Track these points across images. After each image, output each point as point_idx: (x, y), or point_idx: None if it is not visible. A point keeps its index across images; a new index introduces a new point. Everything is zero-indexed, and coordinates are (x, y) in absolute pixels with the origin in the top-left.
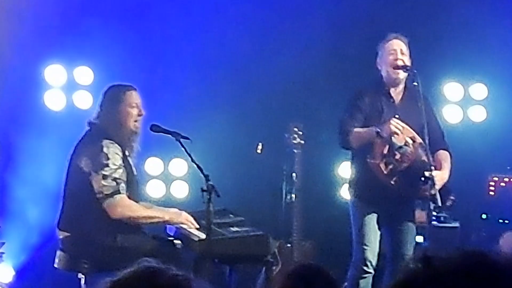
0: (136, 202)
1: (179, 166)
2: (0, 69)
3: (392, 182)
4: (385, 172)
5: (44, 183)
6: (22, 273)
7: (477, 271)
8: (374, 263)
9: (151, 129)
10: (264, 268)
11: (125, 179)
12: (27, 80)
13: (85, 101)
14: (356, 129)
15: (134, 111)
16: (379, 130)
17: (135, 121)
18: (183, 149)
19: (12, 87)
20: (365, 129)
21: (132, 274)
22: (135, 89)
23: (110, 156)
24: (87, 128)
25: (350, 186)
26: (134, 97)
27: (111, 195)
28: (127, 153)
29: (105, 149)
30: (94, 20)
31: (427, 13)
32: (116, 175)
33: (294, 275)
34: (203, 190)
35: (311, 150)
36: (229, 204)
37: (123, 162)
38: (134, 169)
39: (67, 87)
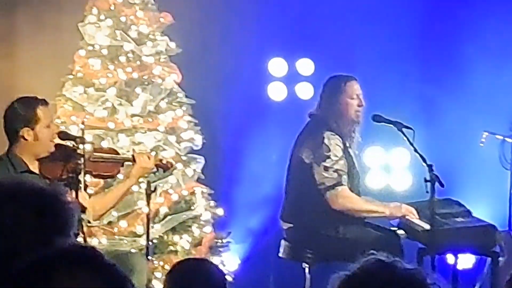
0: (357, 194)
1: (401, 156)
2: (231, 65)
3: None
4: None
5: (267, 173)
6: (247, 262)
7: None
8: None
9: (373, 119)
10: (490, 259)
11: (346, 171)
12: (253, 73)
13: (306, 92)
14: None
15: (355, 102)
16: None
17: (356, 111)
18: (405, 139)
19: (240, 81)
20: None
21: (364, 269)
22: (356, 80)
23: (332, 148)
24: (308, 119)
25: None
26: (355, 88)
27: (333, 186)
28: (347, 144)
29: (326, 141)
30: (314, 15)
31: None
32: (338, 167)
33: None
34: (426, 180)
35: None
36: (451, 194)
37: (344, 153)
38: (355, 160)
39: (289, 78)
